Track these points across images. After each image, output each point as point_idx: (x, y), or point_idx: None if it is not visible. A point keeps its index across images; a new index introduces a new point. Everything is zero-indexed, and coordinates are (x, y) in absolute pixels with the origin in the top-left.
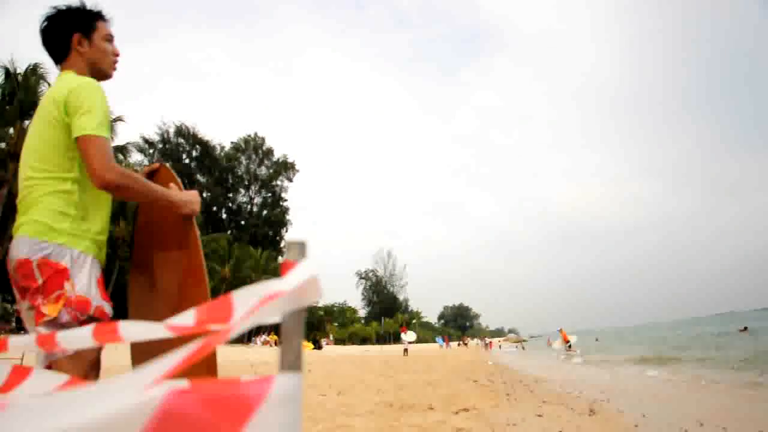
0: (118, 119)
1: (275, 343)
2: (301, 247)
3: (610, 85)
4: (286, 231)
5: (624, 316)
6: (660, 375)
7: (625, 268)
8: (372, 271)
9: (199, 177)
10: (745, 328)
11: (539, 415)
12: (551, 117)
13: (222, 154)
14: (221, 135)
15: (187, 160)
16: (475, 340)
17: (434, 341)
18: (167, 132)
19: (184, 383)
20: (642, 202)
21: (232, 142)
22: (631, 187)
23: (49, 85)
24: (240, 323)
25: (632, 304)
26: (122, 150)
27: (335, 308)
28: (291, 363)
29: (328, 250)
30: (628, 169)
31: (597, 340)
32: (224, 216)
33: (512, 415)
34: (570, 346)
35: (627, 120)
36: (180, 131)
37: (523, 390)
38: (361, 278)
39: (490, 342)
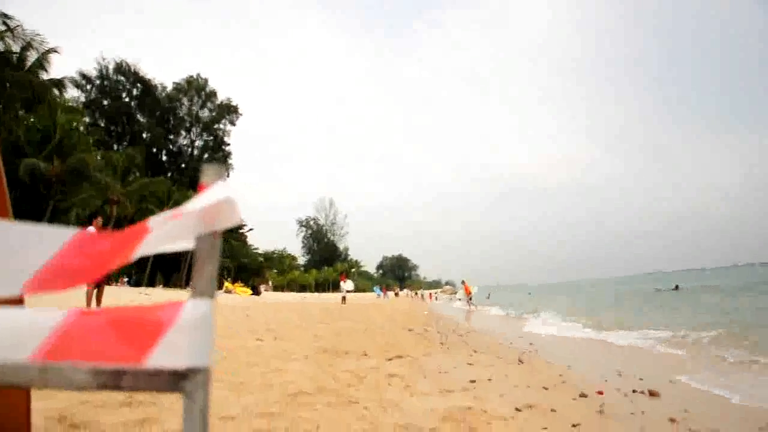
0: (52, 51)
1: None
2: (217, 171)
3: (562, 47)
4: (228, 176)
5: (558, 273)
6: (588, 332)
7: (561, 227)
8: (313, 219)
9: (139, 117)
10: (677, 287)
11: (470, 364)
12: (499, 76)
13: (164, 94)
14: (163, 75)
15: (127, 99)
16: (405, 290)
17: (372, 291)
18: (106, 68)
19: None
20: (579, 163)
21: (174, 83)
22: (569, 149)
23: None
24: (148, 243)
25: (567, 261)
26: (58, 84)
27: (275, 255)
28: (203, 289)
29: (269, 197)
30: (567, 130)
31: (488, 297)
32: (164, 158)
33: (444, 363)
34: (471, 299)
35: (573, 83)
36: (120, 68)
37: (457, 339)
38: (301, 226)
39: (430, 293)
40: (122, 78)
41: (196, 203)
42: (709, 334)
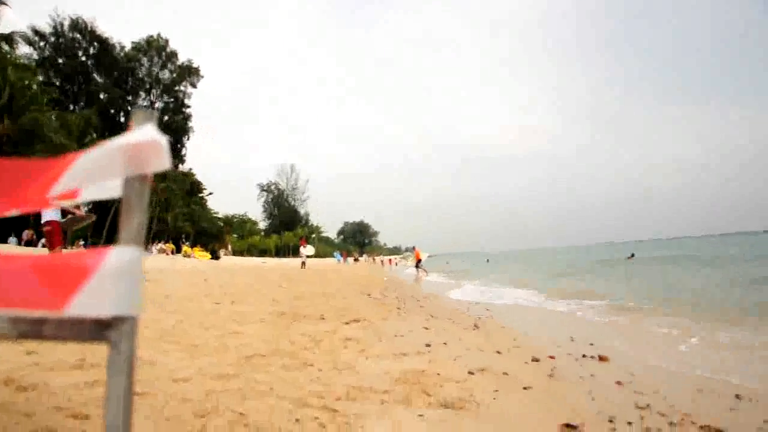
0: (1, 3)
1: (172, 252)
2: (147, 116)
3: (528, 18)
4: (188, 139)
5: (519, 241)
6: (536, 298)
7: (520, 196)
8: (274, 184)
9: (96, 76)
10: (632, 255)
11: (426, 328)
12: (465, 46)
13: (122, 54)
14: (121, 34)
15: (83, 58)
16: (364, 256)
17: (333, 256)
18: (61, 25)
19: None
20: (539, 133)
21: (133, 42)
22: (530, 119)
23: None
24: (69, 178)
25: (525, 229)
26: (7, 39)
27: (235, 219)
28: (130, 237)
29: (230, 161)
30: (529, 100)
31: (447, 263)
32: (122, 120)
33: (401, 327)
34: (418, 265)
35: (537, 54)
36: (75, 25)
37: (414, 304)
38: (262, 190)
39: (390, 259)
40: (78, 36)
41: (121, 140)
42: (650, 305)
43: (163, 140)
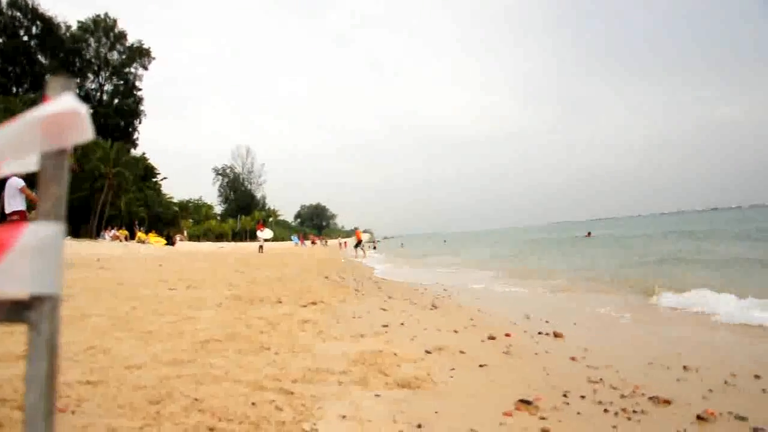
0: None
1: (125, 238)
2: (65, 83)
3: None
4: (140, 122)
5: (478, 222)
6: (492, 278)
7: (481, 177)
8: (229, 167)
9: (40, 58)
10: (589, 233)
11: (384, 309)
12: (424, 24)
13: (68, 34)
14: (66, 12)
15: (25, 38)
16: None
17: (290, 240)
18: None
19: None
20: (500, 114)
21: (79, 22)
22: (492, 99)
23: None
24: None
25: (486, 210)
26: None
27: (190, 204)
28: (48, 212)
29: (185, 145)
30: (490, 81)
31: (402, 245)
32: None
33: (358, 309)
34: (357, 245)
35: (498, 32)
36: (15, 3)
37: (372, 286)
38: (218, 174)
39: (345, 242)
40: (18, 14)
41: (38, 112)
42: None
43: (83, 109)
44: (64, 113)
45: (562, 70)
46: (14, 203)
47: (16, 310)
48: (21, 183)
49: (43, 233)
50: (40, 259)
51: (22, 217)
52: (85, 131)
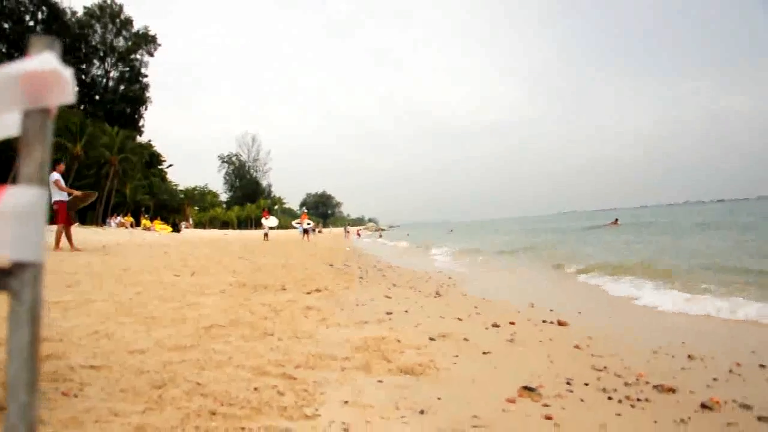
0: None
1: (131, 225)
2: (48, 43)
3: None
4: (146, 109)
5: (486, 211)
6: (499, 266)
7: (485, 166)
8: (235, 155)
9: None
10: (616, 221)
11: (388, 297)
12: (429, 13)
13: (74, 20)
14: None
15: (31, 23)
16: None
17: (294, 227)
18: None
19: None
20: (503, 104)
21: (85, 8)
22: (497, 89)
23: None
24: None
25: (490, 199)
26: None
27: (196, 192)
28: (31, 175)
29: (191, 132)
30: (494, 71)
31: (408, 234)
32: (76, 89)
33: (362, 297)
34: (305, 230)
35: (501, 22)
36: None
37: (376, 274)
38: (223, 162)
39: (357, 230)
40: None
41: (15, 66)
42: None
43: (66, 71)
44: (44, 71)
45: (570, 59)
46: (58, 194)
47: None
48: (55, 176)
49: (25, 198)
50: (21, 225)
51: (60, 206)
52: (67, 92)
